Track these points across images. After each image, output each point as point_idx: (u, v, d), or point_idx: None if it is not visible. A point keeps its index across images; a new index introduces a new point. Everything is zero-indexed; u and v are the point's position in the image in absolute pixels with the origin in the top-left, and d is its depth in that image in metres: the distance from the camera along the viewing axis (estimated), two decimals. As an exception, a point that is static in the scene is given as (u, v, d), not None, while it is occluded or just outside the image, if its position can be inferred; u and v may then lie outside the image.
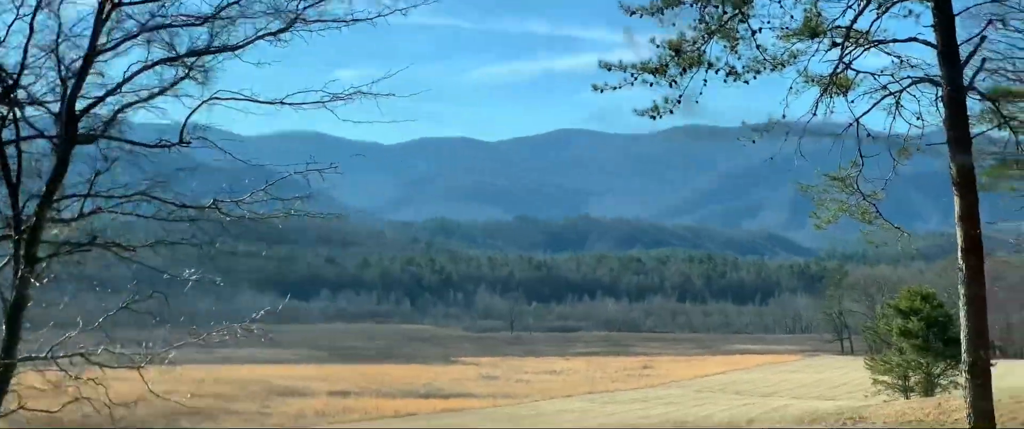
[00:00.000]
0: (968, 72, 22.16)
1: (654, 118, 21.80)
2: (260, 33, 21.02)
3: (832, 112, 23.61)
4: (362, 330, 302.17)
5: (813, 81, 22.41)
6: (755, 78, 22.35)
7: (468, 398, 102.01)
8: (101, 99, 22.23)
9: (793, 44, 21.53)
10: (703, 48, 20.94)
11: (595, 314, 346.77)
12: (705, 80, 21.16)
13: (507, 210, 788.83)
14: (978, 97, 22.79)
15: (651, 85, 21.35)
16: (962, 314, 21.99)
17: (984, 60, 22.36)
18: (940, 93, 21.61)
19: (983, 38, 22.15)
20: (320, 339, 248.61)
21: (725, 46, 21.02)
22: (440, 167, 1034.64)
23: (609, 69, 20.81)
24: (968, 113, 22.01)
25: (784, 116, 22.60)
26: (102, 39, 21.61)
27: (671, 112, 21.69)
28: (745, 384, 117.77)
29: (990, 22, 22.95)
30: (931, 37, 21.51)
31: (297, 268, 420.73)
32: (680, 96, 21.58)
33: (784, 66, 21.84)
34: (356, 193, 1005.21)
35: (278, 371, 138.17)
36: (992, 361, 79.95)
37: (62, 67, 21.96)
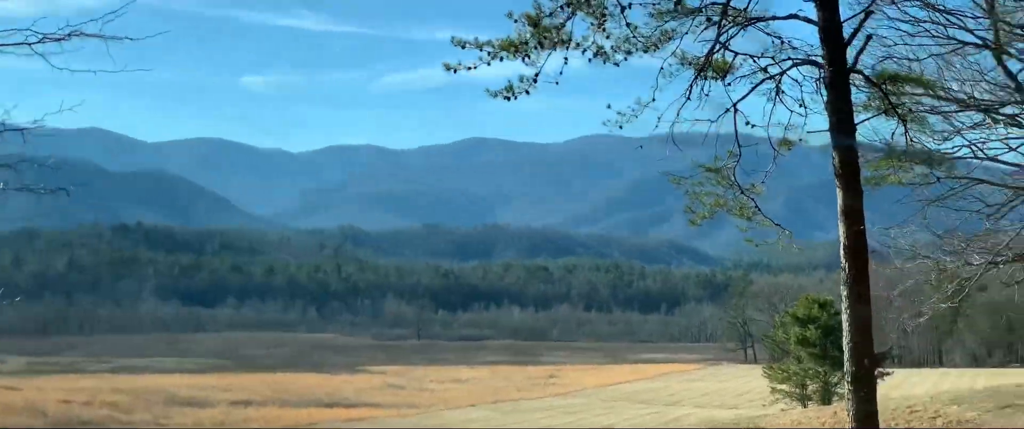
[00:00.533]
0: (862, 55, 20.82)
1: (508, 98, 20.04)
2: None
3: (706, 96, 21.58)
4: (268, 339, 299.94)
5: (689, 64, 20.53)
6: (626, 60, 20.45)
7: (373, 407, 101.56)
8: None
9: (666, 22, 19.82)
10: (566, 24, 19.13)
11: (502, 323, 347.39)
12: (565, 58, 19.02)
13: (415, 218, 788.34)
14: (863, 80, 21.28)
15: (502, 60, 19.74)
16: (845, 319, 20.63)
17: (869, 37, 20.80)
18: (823, 75, 20.13)
19: (868, 13, 20.77)
20: (225, 348, 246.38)
21: (591, 23, 19.33)
22: (349, 175, 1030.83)
23: (462, 46, 18.95)
24: (853, 99, 20.64)
25: (653, 100, 20.27)
26: None
27: (527, 93, 19.88)
28: (649, 393, 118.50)
29: (877, -5, 21.23)
30: (813, 14, 20.07)
31: (202, 276, 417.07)
32: (536, 75, 19.69)
33: (657, 47, 20.01)
34: (264, 201, 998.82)
35: (180, 380, 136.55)
36: (889, 370, 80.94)
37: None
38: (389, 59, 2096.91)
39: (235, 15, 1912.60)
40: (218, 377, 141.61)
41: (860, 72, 20.92)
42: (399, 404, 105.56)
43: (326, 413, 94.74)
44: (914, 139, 23.80)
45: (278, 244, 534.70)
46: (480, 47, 19.13)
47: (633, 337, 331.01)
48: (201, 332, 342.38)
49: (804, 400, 76.11)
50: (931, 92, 24.89)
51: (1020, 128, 27.25)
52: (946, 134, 27.45)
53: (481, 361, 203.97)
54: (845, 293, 20.90)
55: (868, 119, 21.99)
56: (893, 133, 23.14)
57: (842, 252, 20.77)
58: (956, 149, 28.33)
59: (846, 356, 20.82)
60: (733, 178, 22.35)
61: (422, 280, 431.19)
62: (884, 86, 21.57)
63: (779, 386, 77.29)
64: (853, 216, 20.69)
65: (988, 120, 27.49)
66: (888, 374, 74.81)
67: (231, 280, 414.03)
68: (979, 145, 28.45)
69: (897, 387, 76.45)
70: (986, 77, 26.85)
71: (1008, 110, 27.06)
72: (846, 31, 20.28)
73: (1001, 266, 31.79)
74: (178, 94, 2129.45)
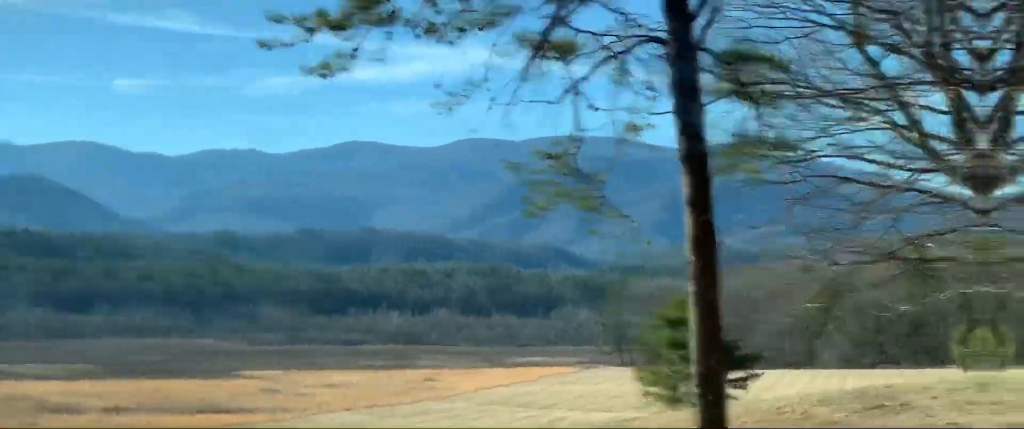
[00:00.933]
0: (712, 32, 19.36)
1: (324, 76, 18.68)
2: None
3: (543, 74, 19.59)
4: (142, 345, 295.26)
5: (527, 42, 19.26)
6: (460, 37, 18.80)
7: (248, 413, 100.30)
8: None
9: (502, -5, 17.26)
10: (391, -2, 16.71)
11: (379, 327, 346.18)
12: (389, 33, 18.21)
13: (292, 223, 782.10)
14: (712, 60, 19.63)
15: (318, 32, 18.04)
16: (692, 317, 19.37)
17: (716, 11, 19.33)
18: (668, 52, 18.68)
19: (714, -17, 18.48)
20: (98, 353, 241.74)
21: (421, -2, 16.93)
22: (225, 179, 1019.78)
23: (279, 21, 17.66)
24: (703, 80, 19.17)
25: (486, 81, 18.97)
26: None
27: (345, 70, 18.56)
28: (526, 396, 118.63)
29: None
30: (659, -15, 17.89)
31: (73, 281, 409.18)
32: (355, 50, 18.13)
33: (493, 24, 18.65)
34: (137, 204, 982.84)
35: (50, 387, 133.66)
36: (759, 371, 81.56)
37: None
38: (264, 63, 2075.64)
39: (108, 17, 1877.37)
40: (90, 383, 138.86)
41: (706, 49, 19.45)
42: (275, 409, 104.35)
43: (200, 420, 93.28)
44: (768, 126, 22.30)
45: (152, 249, 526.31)
46: (299, 22, 17.85)
47: (512, 341, 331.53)
48: (74, 338, 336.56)
49: (674, 402, 76.45)
50: (786, 76, 22.93)
51: (884, 122, 26.48)
52: (807, 125, 26.15)
53: (358, 365, 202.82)
54: (692, 289, 19.72)
55: (715, 101, 20.40)
56: (744, 118, 21.88)
57: (687, 244, 19.53)
58: (819, 147, 27.58)
59: (693, 357, 19.61)
60: (574, 165, 21.53)
61: (300, 285, 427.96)
62: (734, 65, 19.88)
63: (651, 388, 77.36)
64: (699, 205, 19.46)
65: (853, 113, 26.55)
66: (758, 375, 75.65)
67: (104, 286, 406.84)
68: (843, 142, 27.76)
69: (769, 388, 77.37)
70: (846, 65, 25.54)
71: (876, 104, 26.08)
72: (694, 5, 18.86)
73: (868, 266, 31.65)
74: (52, 98, 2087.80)
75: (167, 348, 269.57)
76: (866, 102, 26.20)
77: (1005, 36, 23.46)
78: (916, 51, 24.33)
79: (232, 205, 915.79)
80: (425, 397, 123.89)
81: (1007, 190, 25.56)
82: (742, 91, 20.52)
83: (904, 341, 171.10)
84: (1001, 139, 23.96)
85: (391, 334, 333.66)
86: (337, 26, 18.32)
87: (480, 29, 19.07)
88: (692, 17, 18.91)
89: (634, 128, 20.87)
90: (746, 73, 20.45)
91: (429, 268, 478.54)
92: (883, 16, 24.47)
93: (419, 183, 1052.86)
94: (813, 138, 27.51)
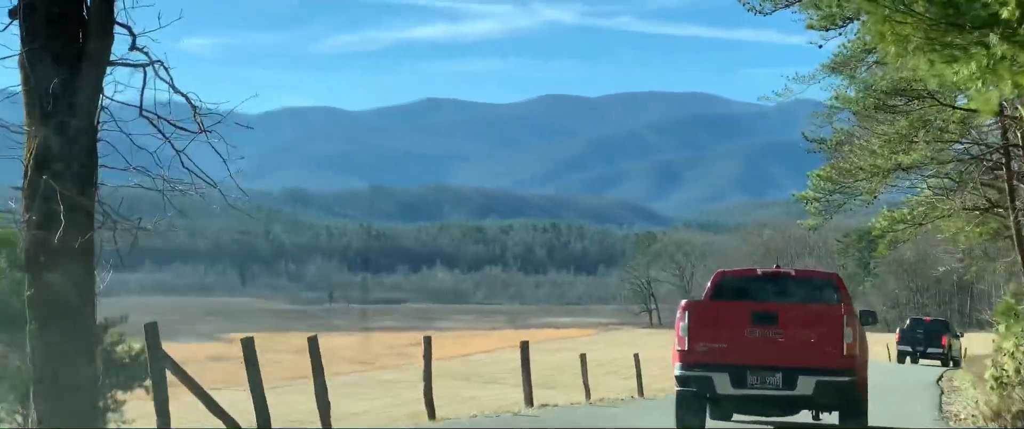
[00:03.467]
0: None
1: None
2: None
3: None
4: (168, 305, 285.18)
5: None
6: None
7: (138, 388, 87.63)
8: None
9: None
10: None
11: (425, 285, 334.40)
12: None
13: (365, 179, 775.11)
14: None
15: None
16: None
17: None
18: None
19: None
20: (109, 313, 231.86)
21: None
22: (301, 137, 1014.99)
23: None
24: None
25: None
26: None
27: None
28: (487, 366, 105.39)
29: None
30: None
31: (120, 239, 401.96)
32: None
33: None
34: (213, 163, 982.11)
35: None
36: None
37: None
38: (327, 20, 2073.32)
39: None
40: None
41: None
42: (174, 382, 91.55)
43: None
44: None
45: (211, 207, 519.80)
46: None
47: (561, 299, 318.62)
48: (111, 296, 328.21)
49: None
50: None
51: None
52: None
53: (370, 326, 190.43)
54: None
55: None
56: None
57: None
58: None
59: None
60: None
61: (353, 242, 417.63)
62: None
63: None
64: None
65: None
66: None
67: (153, 243, 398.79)
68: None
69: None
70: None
71: None
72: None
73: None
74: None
75: (188, 307, 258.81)
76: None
77: None
78: None
79: (306, 162, 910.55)
80: (384, 365, 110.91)
81: None
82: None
83: None
84: None
85: (434, 292, 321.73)
86: None
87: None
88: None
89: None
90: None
91: (488, 225, 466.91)
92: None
93: (495, 140, 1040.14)
94: None
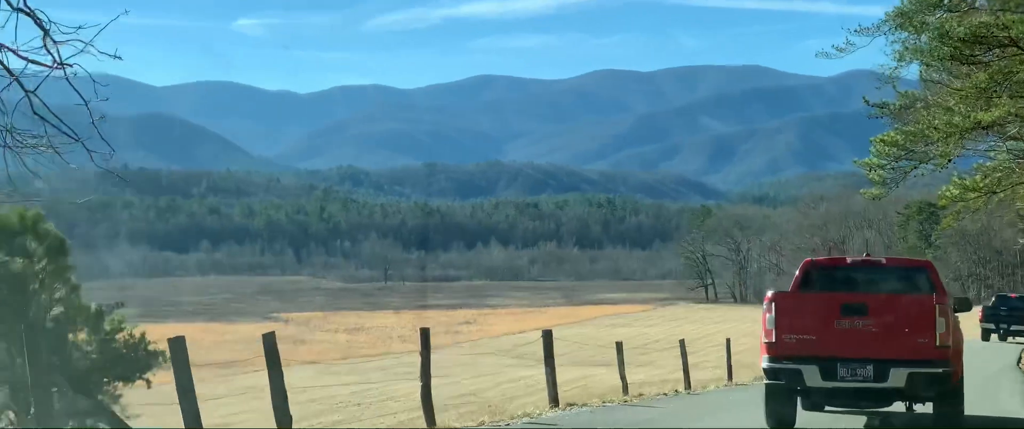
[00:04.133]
0: None
1: None
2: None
3: None
4: (223, 284, 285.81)
5: None
6: None
7: (197, 367, 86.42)
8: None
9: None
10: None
11: (479, 262, 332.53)
12: None
13: (419, 157, 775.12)
14: None
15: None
16: None
17: None
18: None
19: None
20: (157, 294, 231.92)
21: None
22: (354, 115, 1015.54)
23: None
24: None
25: None
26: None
27: None
28: (541, 345, 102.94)
29: None
30: None
31: (177, 219, 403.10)
32: None
33: None
34: (271, 143, 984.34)
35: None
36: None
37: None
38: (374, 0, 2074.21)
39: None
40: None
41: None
42: (218, 363, 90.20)
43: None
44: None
45: (267, 186, 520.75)
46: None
47: (617, 275, 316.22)
48: (169, 276, 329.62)
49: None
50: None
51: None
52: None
53: (419, 305, 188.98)
54: None
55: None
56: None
57: None
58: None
59: None
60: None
61: (407, 220, 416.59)
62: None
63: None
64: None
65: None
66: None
67: (208, 223, 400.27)
68: None
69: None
70: None
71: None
72: None
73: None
74: (180, 38, 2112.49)
75: (239, 287, 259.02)
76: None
77: None
78: None
79: (358, 140, 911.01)
80: (437, 343, 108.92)
81: None
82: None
83: None
84: None
85: (488, 269, 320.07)
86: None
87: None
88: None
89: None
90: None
91: (542, 200, 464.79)
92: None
93: (548, 115, 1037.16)
94: None
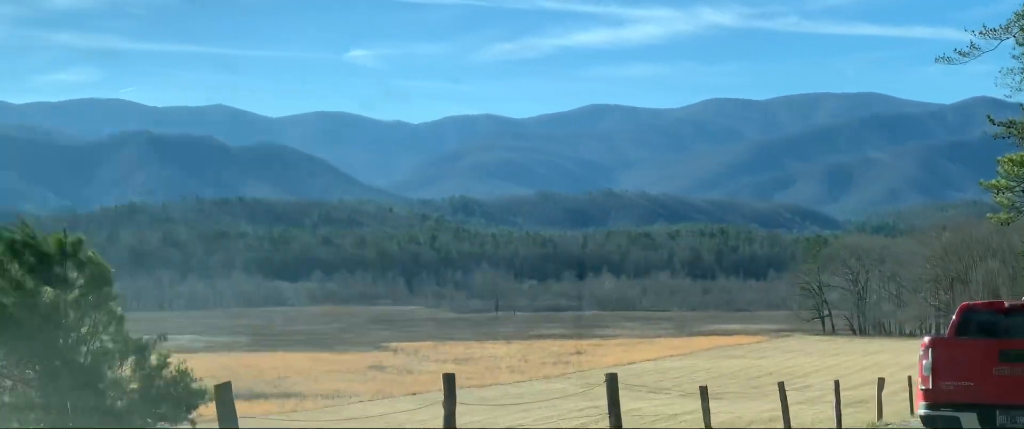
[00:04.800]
0: None
1: None
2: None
3: None
4: (333, 313, 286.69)
5: None
6: None
7: (280, 399, 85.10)
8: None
9: None
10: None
11: (591, 292, 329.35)
12: None
13: (530, 186, 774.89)
14: None
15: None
16: None
17: None
18: None
19: None
20: (266, 324, 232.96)
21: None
22: (467, 145, 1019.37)
23: None
24: None
25: None
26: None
27: None
28: (652, 376, 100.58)
29: None
30: None
31: (291, 249, 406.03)
32: None
33: None
34: (383, 173, 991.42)
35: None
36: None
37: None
38: (487, 29, 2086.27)
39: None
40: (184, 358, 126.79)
41: None
42: (323, 394, 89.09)
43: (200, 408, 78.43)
44: None
45: (380, 216, 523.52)
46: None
47: (730, 305, 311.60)
48: (281, 306, 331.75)
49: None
50: None
51: None
52: None
53: (530, 334, 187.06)
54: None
55: None
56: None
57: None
58: None
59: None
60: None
61: (519, 250, 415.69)
62: None
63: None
64: None
65: None
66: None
67: (321, 253, 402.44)
68: None
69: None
70: None
71: None
72: None
73: None
74: (293, 70, 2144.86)
75: (354, 317, 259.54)
76: None
77: None
78: None
79: (470, 170, 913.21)
80: (536, 375, 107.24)
81: None
82: None
83: None
84: None
85: (601, 299, 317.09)
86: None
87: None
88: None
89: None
90: None
91: (654, 230, 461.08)
92: None
93: (660, 144, 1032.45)
94: None
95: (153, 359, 22.27)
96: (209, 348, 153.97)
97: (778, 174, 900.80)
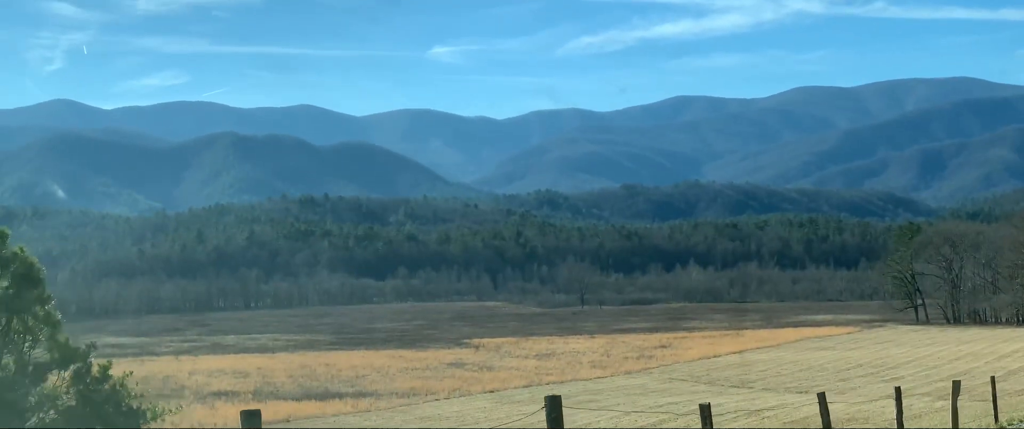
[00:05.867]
0: None
1: None
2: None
3: None
4: (417, 310, 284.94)
5: None
6: None
7: (355, 398, 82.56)
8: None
9: None
10: None
11: (678, 284, 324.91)
12: None
13: (617, 180, 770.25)
14: None
15: None
16: None
17: None
18: None
19: None
20: (350, 322, 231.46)
21: None
22: (552, 139, 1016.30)
23: None
24: None
25: None
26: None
27: None
28: (735, 370, 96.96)
29: None
30: None
31: (375, 247, 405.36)
32: None
33: None
34: (469, 169, 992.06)
35: (188, 364, 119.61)
36: None
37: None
38: (570, 23, 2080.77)
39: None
40: (248, 358, 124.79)
41: None
42: (405, 392, 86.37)
43: (277, 407, 75.80)
44: None
45: (464, 212, 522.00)
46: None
47: (820, 295, 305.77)
48: (366, 304, 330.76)
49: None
50: None
51: None
52: None
53: (614, 329, 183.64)
54: None
55: None
56: None
57: None
58: None
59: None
60: None
61: (605, 243, 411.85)
62: None
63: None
64: None
65: None
66: None
67: (405, 250, 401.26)
68: None
69: None
70: None
71: None
72: None
73: None
74: (377, 69, 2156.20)
75: (433, 313, 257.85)
76: None
77: None
78: None
79: (557, 164, 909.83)
80: (620, 370, 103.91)
81: None
82: None
83: None
84: None
85: (687, 291, 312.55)
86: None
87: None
88: None
89: None
90: None
91: (741, 221, 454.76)
92: None
93: (748, 134, 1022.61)
94: None
95: (95, 370, 18.82)
96: (289, 347, 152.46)
97: (869, 162, 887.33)
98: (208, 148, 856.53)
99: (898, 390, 30.54)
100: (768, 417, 53.03)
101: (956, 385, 32.28)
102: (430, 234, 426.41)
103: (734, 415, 54.48)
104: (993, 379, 39.53)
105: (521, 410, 69.05)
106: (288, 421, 68.53)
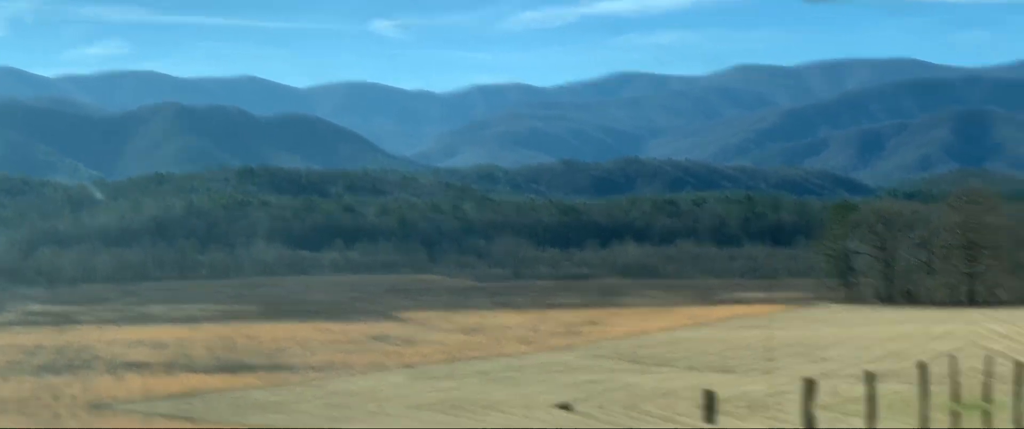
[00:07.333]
0: None
1: None
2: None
3: None
4: (352, 282, 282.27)
5: None
6: None
7: (269, 371, 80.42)
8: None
9: None
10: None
11: (614, 260, 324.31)
12: None
13: (557, 155, 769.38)
14: None
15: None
16: None
17: None
18: None
19: None
20: (277, 294, 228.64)
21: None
22: (493, 114, 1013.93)
23: None
24: None
25: None
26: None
27: None
28: (662, 347, 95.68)
29: None
30: None
31: (313, 218, 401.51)
32: None
33: None
34: (409, 142, 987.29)
35: (122, 334, 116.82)
36: None
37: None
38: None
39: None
40: (171, 329, 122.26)
41: None
42: (315, 366, 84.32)
43: (203, 380, 73.41)
44: None
45: (403, 184, 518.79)
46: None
47: (756, 273, 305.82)
48: (303, 275, 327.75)
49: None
50: None
51: None
52: None
53: (546, 304, 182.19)
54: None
55: None
56: None
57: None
58: None
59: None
60: None
61: (542, 218, 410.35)
62: None
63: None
64: None
65: None
66: None
67: (343, 222, 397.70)
68: None
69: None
70: None
71: None
72: None
73: None
74: (319, 41, 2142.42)
75: (363, 285, 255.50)
76: None
77: None
78: None
79: (498, 139, 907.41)
80: (546, 346, 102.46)
81: None
82: None
83: None
84: None
85: (623, 267, 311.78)
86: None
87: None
88: None
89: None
90: None
91: (679, 198, 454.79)
92: None
93: (688, 112, 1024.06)
94: None
95: None
96: (216, 317, 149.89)
97: (809, 141, 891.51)
98: (151, 118, 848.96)
99: (809, 381, 28.87)
100: (678, 396, 51.40)
101: (870, 376, 30.64)
102: (369, 206, 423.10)
103: (649, 395, 52.82)
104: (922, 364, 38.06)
105: (435, 386, 67.27)
106: (191, 394, 66.21)
